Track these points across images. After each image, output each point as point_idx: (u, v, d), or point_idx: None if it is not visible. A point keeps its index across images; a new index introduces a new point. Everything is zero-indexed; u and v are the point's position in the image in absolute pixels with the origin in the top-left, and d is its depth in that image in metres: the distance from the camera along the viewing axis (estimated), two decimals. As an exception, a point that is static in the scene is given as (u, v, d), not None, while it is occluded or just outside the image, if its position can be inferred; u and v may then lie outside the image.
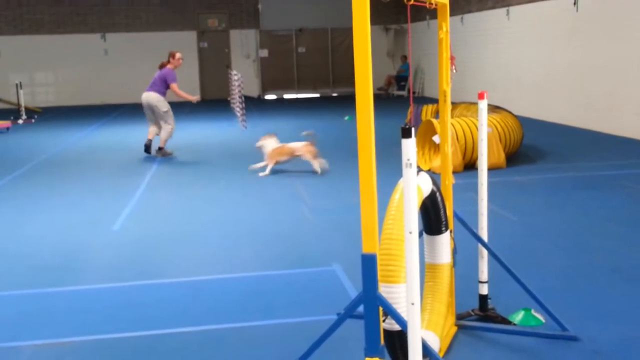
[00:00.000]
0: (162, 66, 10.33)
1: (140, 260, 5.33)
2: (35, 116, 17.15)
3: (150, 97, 10.18)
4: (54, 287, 4.75)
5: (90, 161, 10.37)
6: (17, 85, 16.64)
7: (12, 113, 16.95)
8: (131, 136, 12.95)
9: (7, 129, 14.38)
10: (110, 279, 4.88)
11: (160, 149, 10.31)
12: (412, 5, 3.01)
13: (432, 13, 17.79)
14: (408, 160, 2.32)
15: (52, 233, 6.22)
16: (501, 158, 8.57)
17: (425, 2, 3.20)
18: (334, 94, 22.28)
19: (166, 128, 10.27)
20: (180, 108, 18.41)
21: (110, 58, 20.93)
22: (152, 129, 10.48)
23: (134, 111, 15.81)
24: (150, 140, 10.44)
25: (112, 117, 16.86)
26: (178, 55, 10.33)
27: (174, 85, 10.20)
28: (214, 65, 21.66)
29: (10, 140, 13.13)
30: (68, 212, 7.01)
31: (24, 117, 16.26)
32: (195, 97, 10.57)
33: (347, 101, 19.14)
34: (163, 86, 10.20)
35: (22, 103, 16.49)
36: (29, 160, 10.44)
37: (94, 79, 20.77)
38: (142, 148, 10.57)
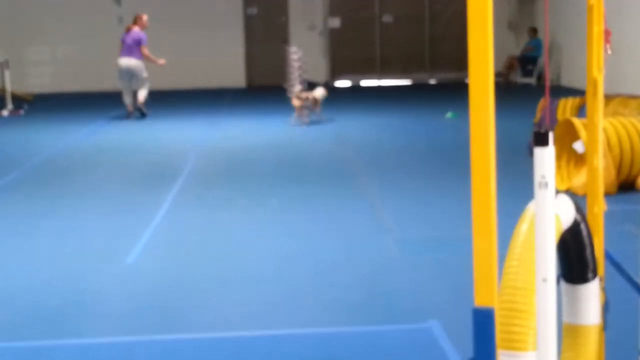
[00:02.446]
0: (128, 29, 14.42)
1: (162, 305, 5.43)
2: (26, 106, 17.65)
3: (132, 63, 14.41)
4: (48, 339, 4.88)
5: (98, 167, 10.64)
6: (1, 64, 17.21)
7: (-6, 102, 17.55)
8: (152, 133, 13.24)
9: (-12, 123, 14.91)
10: (122, 330, 4.99)
11: (140, 109, 14.77)
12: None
13: (575, -32, 17.54)
14: (543, 177, 2.31)
15: (47, 266, 6.39)
16: (673, 176, 8.38)
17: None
18: (432, 82, 22.26)
19: (144, 90, 14.60)
20: (219, 99, 18.71)
21: (126, 29, 21.48)
22: (129, 99, 14.80)
23: (156, 100, 16.16)
24: (130, 111, 14.92)
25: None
26: (145, 17, 14.55)
27: (145, 48, 14.39)
28: (265, 39, 21.94)
29: (-8, 138, 13.61)
30: (68, 238, 7.20)
31: (10, 107, 16.78)
32: (162, 61, 14.76)
33: (450, 91, 19.06)
34: (139, 50, 14.35)
35: (8, 88, 16.99)
36: (17, 166, 10.75)
37: (104, 57, 21.25)
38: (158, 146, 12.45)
